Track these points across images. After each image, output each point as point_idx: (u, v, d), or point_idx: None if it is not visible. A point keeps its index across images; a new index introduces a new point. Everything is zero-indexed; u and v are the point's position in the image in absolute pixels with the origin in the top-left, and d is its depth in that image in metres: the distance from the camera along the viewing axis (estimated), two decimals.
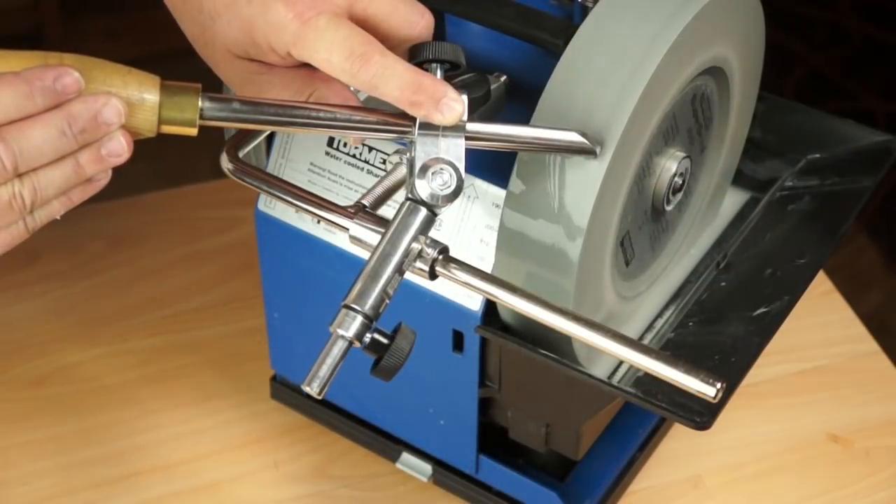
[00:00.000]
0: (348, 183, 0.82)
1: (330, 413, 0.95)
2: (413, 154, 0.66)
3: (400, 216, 0.67)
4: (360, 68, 0.64)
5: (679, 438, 0.98)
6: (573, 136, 0.69)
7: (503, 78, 0.78)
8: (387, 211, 0.70)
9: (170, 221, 1.15)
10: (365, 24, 0.67)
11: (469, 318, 0.79)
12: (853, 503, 0.95)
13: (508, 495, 0.90)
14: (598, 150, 0.70)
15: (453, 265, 0.67)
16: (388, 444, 0.93)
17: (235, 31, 0.67)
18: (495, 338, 0.78)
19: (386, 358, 0.66)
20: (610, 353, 0.66)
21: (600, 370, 0.80)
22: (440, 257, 0.67)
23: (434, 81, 0.65)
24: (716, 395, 0.62)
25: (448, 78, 0.74)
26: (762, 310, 0.82)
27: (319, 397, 0.65)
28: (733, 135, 0.88)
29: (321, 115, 0.66)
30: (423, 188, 0.66)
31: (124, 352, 1.04)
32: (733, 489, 0.96)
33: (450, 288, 0.79)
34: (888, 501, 0.96)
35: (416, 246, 0.67)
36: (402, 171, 0.76)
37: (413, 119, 0.66)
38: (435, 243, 0.67)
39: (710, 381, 0.62)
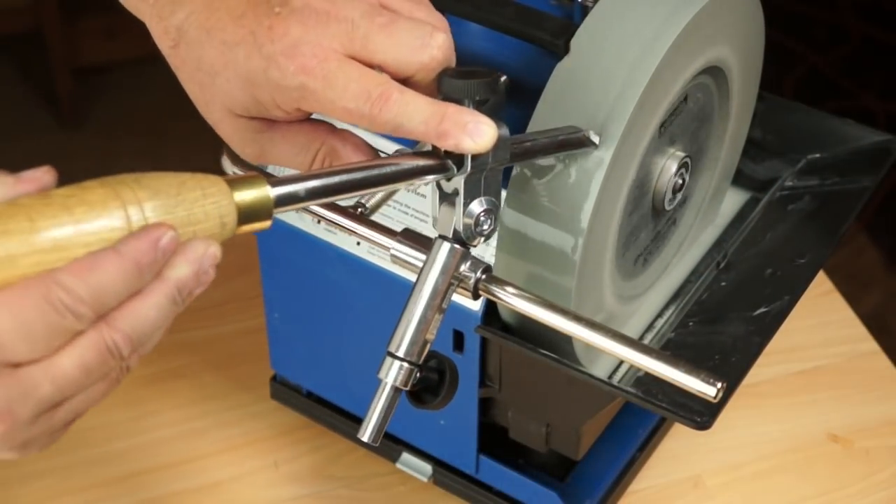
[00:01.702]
0: None
1: (330, 413, 0.95)
2: (461, 194, 0.64)
3: (437, 257, 0.65)
4: (381, 109, 0.61)
5: (679, 438, 0.98)
6: (577, 134, 0.70)
7: (503, 78, 0.78)
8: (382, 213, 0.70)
9: None
10: (371, 63, 0.63)
11: (469, 318, 0.79)
12: (853, 503, 0.95)
13: (508, 495, 0.90)
14: (596, 140, 0.70)
15: (495, 285, 0.67)
16: (388, 444, 0.93)
17: (236, 88, 0.64)
18: (495, 338, 0.78)
19: (435, 399, 0.66)
20: (610, 353, 0.66)
21: (600, 370, 0.80)
22: (483, 276, 0.66)
23: (458, 109, 0.62)
24: (716, 394, 0.62)
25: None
26: (762, 309, 0.82)
27: (375, 444, 0.66)
28: (733, 135, 0.88)
29: (377, 172, 0.62)
30: (467, 229, 0.65)
31: None
32: (733, 489, 0.96)
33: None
34: (888, 501, 0.96)
35: (459, 275, 0.66)
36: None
37: (460, 156, 0.63)
38: (477, 263, 0.66)
39: (711, 380, 0.62)
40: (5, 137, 2.45)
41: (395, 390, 0.65)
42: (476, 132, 0.62)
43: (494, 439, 0.88)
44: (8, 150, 2.43)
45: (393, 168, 0.62)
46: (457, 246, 0.65)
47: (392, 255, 0.70)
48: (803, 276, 0.85)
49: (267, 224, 0.57)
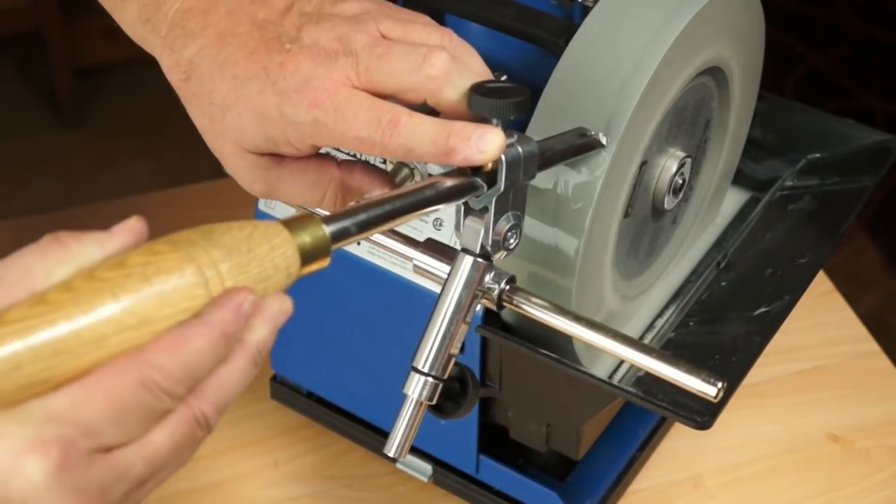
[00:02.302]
0: None
1: (330, 413, 0.95)
2: (491, 211, 0.64)
3: (461, 271, 0.65)
4: (391, 135, 0.62)
5: (679, 438, 0.98)
6: (588, 137, 0.70)
7: (503, 78, 0.78)
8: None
9: (170, 221, 1.14)
10: (378, 93, 0.64)
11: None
12: (853, 503, 0.95)
13: (509, 495, 0.90)
14: (605, 141, 0.70)
15: (519, 296, 0.66)
16: None
17: (247, 123, 0.64)
18: (496, 338, 0.78)
19: (458, 408, 0.66)
20: (611, 353, 0.66)
21: (601, 370, 0.80)
22: (507, 287, 0.66)
23: (464, 125, 0.62)
24: (717, 394, 0.62)
25: None
26: (763, 309, 0.82)
27: (402, 458, 0.66)
28: (733, 134, 0.88)
29: (418, 198, 0.62)
30: (495, 245, 0.65)
31: None
32: (733, 489, 0.96)
33: None
34: (888, 501, 0.96)
35: (479, 292, 0.65)
36: (404, 171, 0.76)
37: (493, 174, 0.63)
38: (500, 274, 0.66)
39: (712, 380, 0.62)
40: (6, 137, 2.45)
41: (420, 405, 0.64)
42: (482, 143, 0.62)
43: (494, 439, 0.88)
44: (8, 150, 2.43)
45: (431, 192, 0.62)
46: (480, 259, 0.65)
47: (415, 266, 0.69)
48: (803, 276, 0.85)
49: (326, 263, 0.57)
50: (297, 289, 0.89)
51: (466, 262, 0.65)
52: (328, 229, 0.56)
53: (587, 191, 0.71)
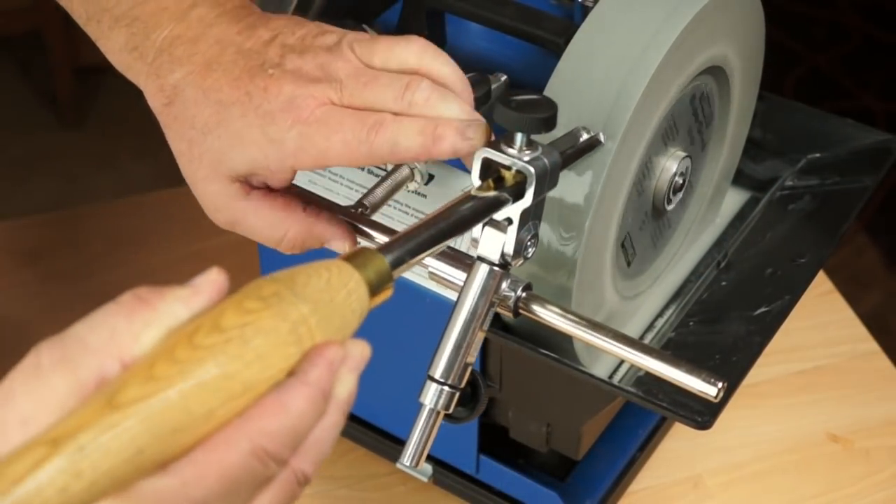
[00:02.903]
0: (349, 183, 0.82)
1: None
2: (515, 223, 0.64)
3: (477, 279, 0.65)
4: (377, 133, 0.63)
5: (679, 438, 0.98)
6: (589, 138, 0.70)
7: (503, 78, 0.78)
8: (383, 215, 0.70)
9: (170, 221, 1.15)
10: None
11: None
12: (853, 503, 0.95)
13: (509, 495, 0.90)
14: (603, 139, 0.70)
15: (535, 303, 0.66)
16: (388, 444, 0.93)
17: (227, 146, 0.65)
18: (496, 338, 0.78)
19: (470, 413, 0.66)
20: (611, 353, 0.66)
21: (601, 370, 0.80)
22: (524, 295, 0.66)
23: (450, 118, 0.63)
24: (717, 394, 0.62)
25: None
26: (763, 309, 0.82)
27: (417, 468, 0.66)
28: (733, 134, 0.88)
29: (456, 219, 0.62)
30: (515, 255, 0.65)
31: None
32: (733, 489, 0.96)
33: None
34: (888, 501, 0.96)
35: (495, 300, 0.65)
36: (404, 171, 0.76)
37: (520, 187, 0.63)
38: (516, 282, 0.66)
39: (712, 380, 0.62)
40: (6, 137, 2.45)
41: (437, 413, 0.64)
42: (470, 130, 0.62)
43: (494, 439, 0.88)
44: (8, 150, 2.43)
45: (468, 211, 0.62)
46: (497, 268, 0.65)
47: (430, 273, 0.69)
48: (803, 276, 0.85)
49: (390, 294, 0.56)
50: None
51: (483, 270, 0.65)
52: (389, 260, 0.56)
53: (588, 191, 0.71)
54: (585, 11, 0.76)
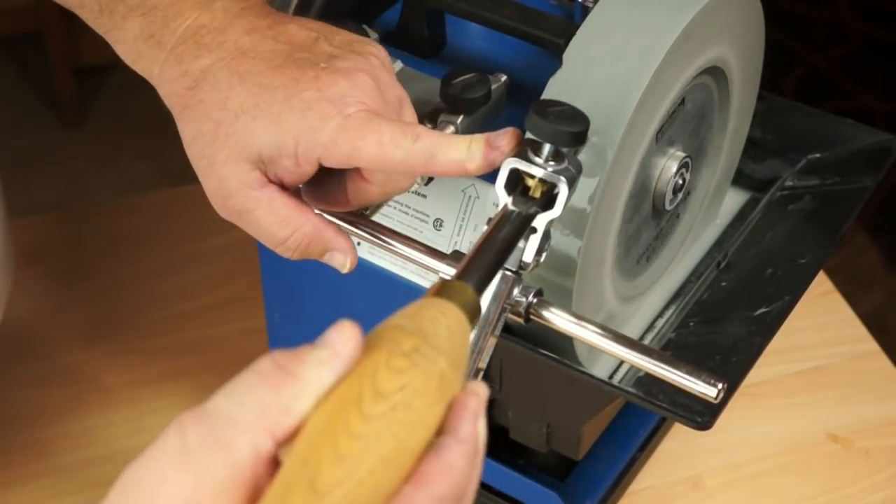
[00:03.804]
0: None
1: None
2: (539, 232, 0.64)
3: (490, 286, 0.63)
4: (417, 138, 0.63)
5: (679, 438, 0.98)
6: None
7: (503, 78, 0.78)
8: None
9: (170, 221, 1.15)
10: None
11: None
12: (853, 503, 0.95)
13: (509, 495, 0.90)
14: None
15: (546, 309, 0.66)
16: None
17: (260, 127, 0.65)
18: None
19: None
20: (611, 354, 0.66)
21: (601, 370, 0.80)
22: (535, 301, 0.66)
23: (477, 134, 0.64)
24: (717, 395, 0.62)
25: (450, 77, 0.74)
26: (763, 310, 0.82)
27: None
28: (733, 134, 0.88)
29: (505, 234, 0.62)
30: (534, 262, 0.65)
31: (125, 352, 1.04)
32: (733, 489, 0.96)
33: None
34: (888, 501, 0.96)
35: (506, 306, 0.65)
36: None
37: (552, 198, 0.64)
38: (528, 288, 0.66)
39: (712, 381, 0.62)
40: (6, 137, 2.45)
41: None
42: (497, 140, 0.63)
43: (494, 439, 0.88)
44: (8, 150, 2.43)
45: (513, 228, 0.63)
46: (509, 273, 0.65)
47: (441, 279, 0.69)
48: (804, 276, 0.85)
49: (476, 323, 0.56)
50: (298, 289, 0.89)
51: (497, 276, 0.65)
52: (473, 290, 0.55)
53: (588, 191, 0.71)
54: (585, 12, 0.76)
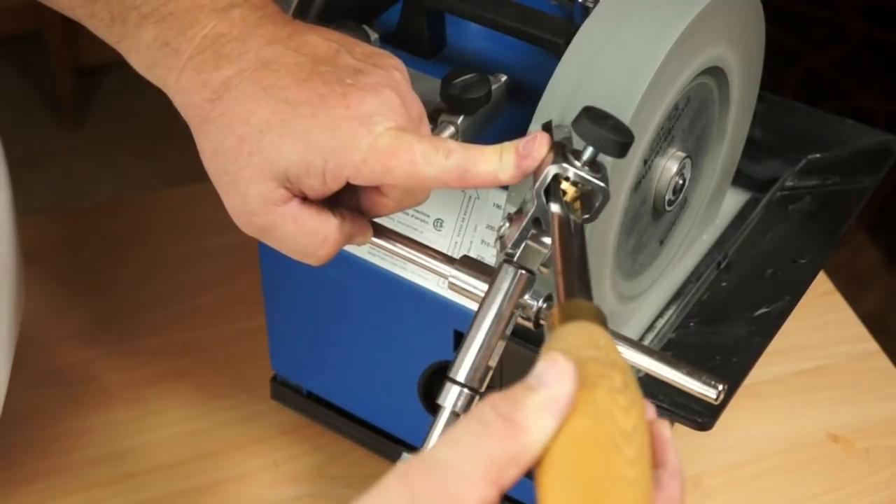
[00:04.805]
0: None
1: (330, 413, 0.95)
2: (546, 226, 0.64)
3: (502, 282, 0.64)
4: (449, 154, 0.63)
5: (679, 438, 0.98)
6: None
7: (503, 78, 0.78)
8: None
9: (170, 221, 1.14)
10: None
11: (470, 318, 0.79)
12: (853, 503, 0.95)
13: (509, 495, 0.90)
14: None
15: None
16: (388, 444, 0.93)
17: (286, 145, 0.64)
18: None
19: None
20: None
21: None
22: (545, 306, 0.65)
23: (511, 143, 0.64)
24: (717, 396, 0.62)
25: (450, 77, 0.74)
26: (763, 310, 0.82)
27: None
28: (733, 134, 0.88)
29: (581, 248, 0.61)
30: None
31: (125, 352, 1.04)
32: (733, 489, 0.96)
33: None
34: (888, 501, 0.96)
35: (521, 303, 0.65)
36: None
37: (594, 206, 0.64)
38: (539, 292, 0.65)
39: (712, 382, 0.62)
40: (5, 137, 2.45)
41: (456, 416, 0.63)
42: (527, 146, 0.63)
43: None
44: (8, 150, 2.43)
45: (578, 236, 0.62)
46: (522, 271, 0.65)
47: (450, 283, 0.69)
48: (804, 276, 0.85)
49: None
50: (297, 289, 0.89)
51: (509, 272, 0.64)
52: (594, 304, 0.55)
53: None
54: (585, 12, 0.76)
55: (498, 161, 0.63)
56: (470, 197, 0.78)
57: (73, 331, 1.05)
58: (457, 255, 0.70)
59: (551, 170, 0.63)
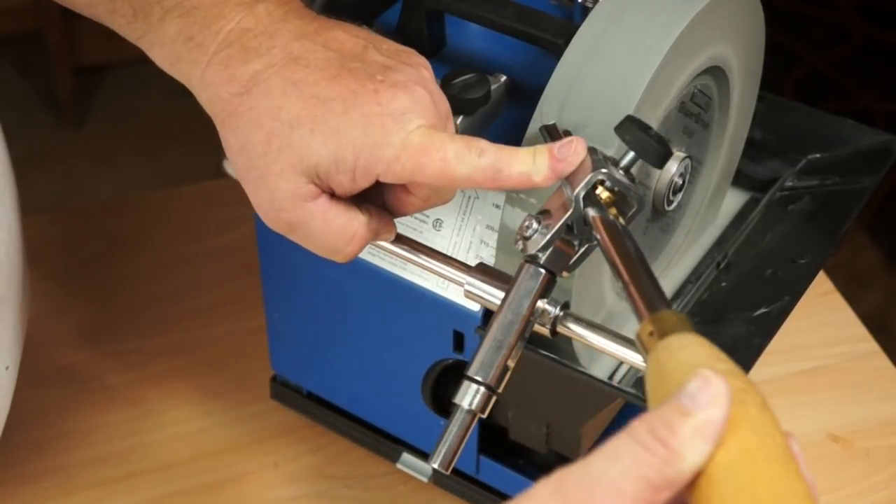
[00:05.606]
0: None
1: (330, 413, 0.95)
2: (577, 229, 0.65)
3: (524, 281, 0.64)
4: (482, 153, 0.63)
5: None
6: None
7: (503, 78, 0.78)
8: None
9: (170, 221, 1.14)
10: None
11: (470, 318, 0.79)
12: (853, 503, 0.95)
13: (509, 495, 0.90)
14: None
15: (573, 322, 0.66)
16: (388, 444, 0.93)
17: (317, 141, 0.64)
18: None
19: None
20: (611, 354, 0.66)
21: (601, 370, 0.80)
22: (561, 314, 0.65)
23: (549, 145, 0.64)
24: None
25: (449, 77, 0.74)
26: (763, 310, 0.82)
27: (447, 472, 0.64)
28: (733, 135, 0.88)
29: (637, 250, 0.61)
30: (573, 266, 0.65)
31: (125, 352, 1.04)
32: None
33: (450, 288, 0.79)
34: (888, 501, 0.96)
35: (538, 309, 0.65)
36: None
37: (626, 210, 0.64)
38: (555, 300, 0.65)
39: None
40: (6, 137, 2.45)
41: (472, 415, 0.63)
42: (562, 150, 0.64)
43: (494, 439, 0.88)
44: (8, 150, 2.43)
45: (628, 239, 0.63)
46: (543, 271, 0.65)
47: (466, 291, 0.69)
48: (803, 277, 0.85)
49: None
50: (297, 289, 0.89)
51: (532, 272, 0.64)
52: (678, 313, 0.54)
53: None
54: (585, 12, 0.76)
55: (531, 162, 0.63)
56: (469, 197, 0.78)
57: (72, 331, 1.05)
58: (456, 256, 0.70)
59: (594, 175, 0.63)
